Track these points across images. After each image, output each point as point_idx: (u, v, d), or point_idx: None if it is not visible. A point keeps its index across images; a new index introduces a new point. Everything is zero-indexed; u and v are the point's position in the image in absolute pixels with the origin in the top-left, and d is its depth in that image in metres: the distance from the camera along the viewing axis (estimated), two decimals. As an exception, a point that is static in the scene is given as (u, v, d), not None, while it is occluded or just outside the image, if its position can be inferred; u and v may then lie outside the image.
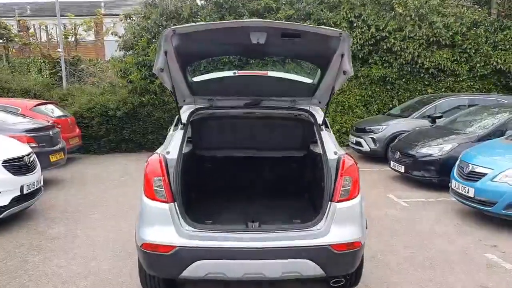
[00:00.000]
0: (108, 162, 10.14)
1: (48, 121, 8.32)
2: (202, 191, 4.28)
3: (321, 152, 3.35)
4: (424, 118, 9.59)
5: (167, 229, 3.04)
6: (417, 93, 11.99)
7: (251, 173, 4.38)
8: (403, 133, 8.98)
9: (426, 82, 12.15)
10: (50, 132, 7.77)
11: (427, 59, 11.82)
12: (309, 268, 3.01)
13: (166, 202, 3.08)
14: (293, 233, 3.06)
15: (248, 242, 3.00)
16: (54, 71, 14.51)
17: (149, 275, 3.27)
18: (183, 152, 3.32)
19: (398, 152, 7.92)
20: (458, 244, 4.85)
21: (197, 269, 2.98)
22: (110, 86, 12.41)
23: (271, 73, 3.51)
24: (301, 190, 4.33)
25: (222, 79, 3.64)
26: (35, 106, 9.55)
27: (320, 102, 3.75)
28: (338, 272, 3.18)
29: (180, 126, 3.48)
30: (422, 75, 12.09)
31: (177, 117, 3.60)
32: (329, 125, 3.75)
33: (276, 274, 3.02)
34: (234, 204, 3.94)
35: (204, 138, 4.16)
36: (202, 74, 3.94)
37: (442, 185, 6.93)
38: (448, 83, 12.07)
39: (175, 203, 3.08)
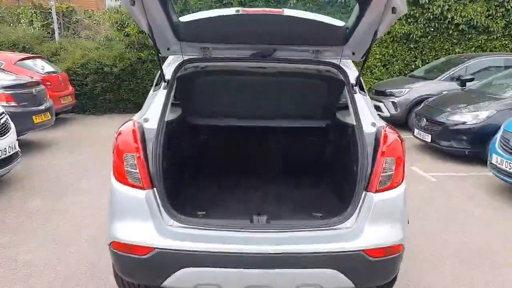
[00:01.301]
0: (104, 124, 9.35)
1: (32, 78, 7.42)
2: (193, 172, 3.46)
3: (353, 123, 2.49)
4: (453, 81, 8.59)
5: (143, 225, 2.26)
6: (443, 53, 10.84)
7: (258, 150, 3.52)
8: (429, 98, 8.02)
9: (455, 41, 10.93)
10: (34, 90, 6.92)
11: (458, 14, 10.55)
12: (334, 280, 2.25)
13: (142, 188, 2.28)
14: (314, 233, 2.27)
15: (252, 244, 2.21)
16: (46, 22, 13.39)
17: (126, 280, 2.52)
18: (166, 119, 2.48)
19: (425, 119, 7.00)
20: (501, 232, 4.05)
21: (183, 278, 2.23)
22: (105, 41, 11.39)
23: (288, 12, 2.49)
24: (323, 173, 3.49)
25: (220, 19, 2.55)
26: (20, 60, 8.64)
27: (354, 54, 2.78)
28: (371, 283, 2.41)
29: (163, 84, 2.60)
30: (450, 32, 10.85)
31: (158, 72, 2.72)
32: (364, 86, 2.83)
33: (289, 287, 2.26)
34: (235, 190, 3.15)
35: (196, 101, 3.18)
36: (193, 12, 3.00)
37: (473, 158, 6.15)
38: (480, 42, 10.85)
39: (155, 189, 2.29)
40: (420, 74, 9.61)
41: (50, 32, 12.82)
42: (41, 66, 9.36)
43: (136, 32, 10.38)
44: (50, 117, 7.29)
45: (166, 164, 2.45)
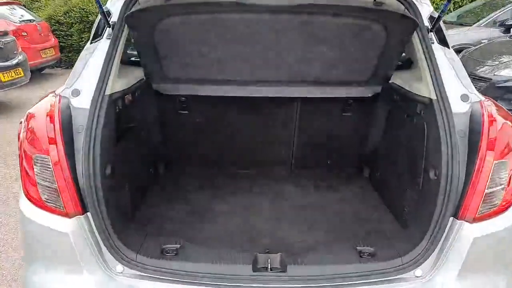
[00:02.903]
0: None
1: (-5, 27, 6.29)
2: (164, 174, 2.44)
3: (428, 95, 1.48)
4: (494, 27, 7.34)
5: (69, 278, 1.32)
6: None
7: (266, 134, 2.41)
8: (465, 48, 6.83)
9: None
10: (-1, 42, 5.81)
11: None
12: None
13: (65, 215, 1.32)
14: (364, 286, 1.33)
15: None
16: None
17: None
18: (112, 91, 1.53)
19: (464, 74, 5.86)
20: None
21: None
22: (92, -16, 10.03)
23: None
24: (369, 175, 2.46)
25: None
26: (-11, 7, 7.45)
27: None
28: None
29: (106, 31, 1.55)
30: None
31: (98, 15, 1.63)
32: (446, 35, 1.69)
33: None
34: (229, 204, 2.16)
35: (167, 57, 1.93)
36: None
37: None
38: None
39: (88, 215, 1.32)
40: (453, 19, 8.37)
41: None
42: (20, 15, 8.17)
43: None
44: (22, 74, 6.24)
45: (111, 167, 1.47)
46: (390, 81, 2.01)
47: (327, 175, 2.46)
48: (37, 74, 7.94)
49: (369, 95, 2.10)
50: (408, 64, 1.89)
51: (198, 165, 2.49)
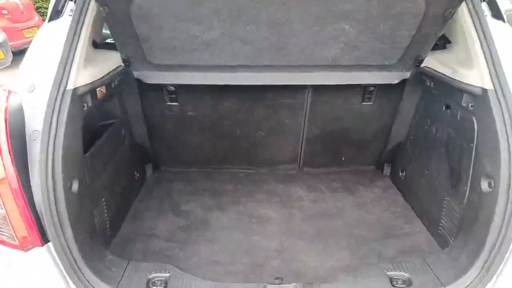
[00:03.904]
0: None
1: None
2: (153, 181, 2.11)
3: (483, 84, 1.17)
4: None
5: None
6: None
7: (273, 129, 2.08)
8: None
9: None
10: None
11: None
12: None
13: (20, 247, 1.02)
14: None
15: None
16: None
17: None
18: (80, 83, 1.23)
19: None
20: None
21: None
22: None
23: None
24: (390, 174, 2.16)
25: None
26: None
27: None
28: None
29: (68, 6, 1.23)
30: None
31: None
32: (500, 7, 1.36)
33: None
34: (230, 216, 1.83)
35: (151, 38, 1.54)
36: None
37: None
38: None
39: (50, 244, 1.05)
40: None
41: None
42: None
43: None
44: (2, 55, 5.83)
45: (79, 182, 1.16)
46: (422, 65, 1.66)
47: (341, 174, 2.14)
48: (20, 56, 7.52)
49: (396, 81, 1.72)
50: (443, 43, 1.56)
51: (191, 166, 2.17)
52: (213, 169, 2.15)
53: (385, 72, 1.69)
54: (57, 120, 1.08)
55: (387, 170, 2.14)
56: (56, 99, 1.09)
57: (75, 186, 1.14)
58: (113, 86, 1.58)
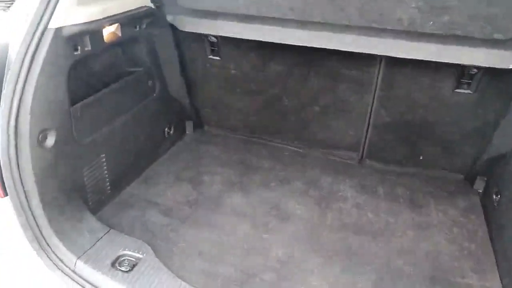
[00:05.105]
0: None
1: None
2: (178, 141, 1.94)
3: None
4: None
5: None
6: None
7: (330, 103, 1.73)
8: None
9: None
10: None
11: None
12: None
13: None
14: None
15: None
16: None
17: None
18: (74, 21, 1.10)
19: None
20: None
21: None
22: None
23: None
24: (483, 191, 1.65)
25: None
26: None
27: None
28: None
29: None
30: None
31: None
32: None
33: None
34: (249, 199, 1.59)
35: None
36: None
37: None
38: None
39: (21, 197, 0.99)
40: None
41: None
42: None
43: None
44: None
45: (60, 136, 1.08)
46: None
47: (413, 177, 1.72)
48: None
49: (511, 65, 1.24)
50: None
51: (234, 132, 1.97)
52: (257, 139, 1.92)
53: (495, 50, 1.24)
54: (31, 62, 0.98)
55: (479, 185, 1.66)
56: (32, 39, 0.99)
57: (50, 141, 1.05)
58: (137, 29, 1.44)
